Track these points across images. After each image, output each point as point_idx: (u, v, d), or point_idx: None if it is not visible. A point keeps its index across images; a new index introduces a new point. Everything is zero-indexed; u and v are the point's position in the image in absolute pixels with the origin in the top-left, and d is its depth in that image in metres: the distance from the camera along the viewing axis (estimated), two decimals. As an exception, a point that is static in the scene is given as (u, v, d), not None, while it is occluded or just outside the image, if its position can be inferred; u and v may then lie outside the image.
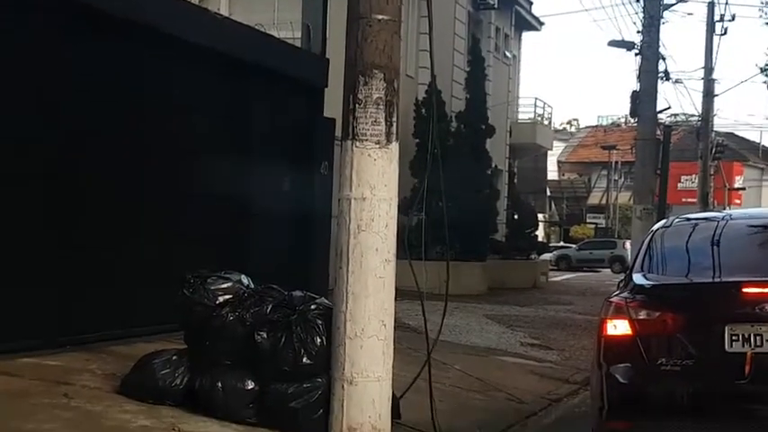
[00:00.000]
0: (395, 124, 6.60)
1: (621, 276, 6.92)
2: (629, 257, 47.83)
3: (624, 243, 48.46)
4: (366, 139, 6.49)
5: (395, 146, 6.62)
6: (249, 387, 6.79)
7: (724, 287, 5.99)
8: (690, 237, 6.94)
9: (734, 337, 5.67)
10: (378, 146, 6.51)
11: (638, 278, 6.33)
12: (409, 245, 7.48)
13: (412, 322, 13.43)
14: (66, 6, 8.69)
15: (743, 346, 5.65)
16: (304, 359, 6.70)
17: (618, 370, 5.92)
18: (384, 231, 6.52)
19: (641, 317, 5.91)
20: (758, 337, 5.65)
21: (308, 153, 12.78)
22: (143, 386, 7.02)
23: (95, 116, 9.17)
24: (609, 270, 44.02)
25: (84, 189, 9.08)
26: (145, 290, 9.63)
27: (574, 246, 51.44)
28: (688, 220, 7.42)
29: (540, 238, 40.45)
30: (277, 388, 6.72)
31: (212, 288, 7.11)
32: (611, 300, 6.16)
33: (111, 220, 9.43)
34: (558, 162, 66.83)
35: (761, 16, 55.65)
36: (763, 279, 5.88)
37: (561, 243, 55.00)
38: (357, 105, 6.51)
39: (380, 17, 6.47)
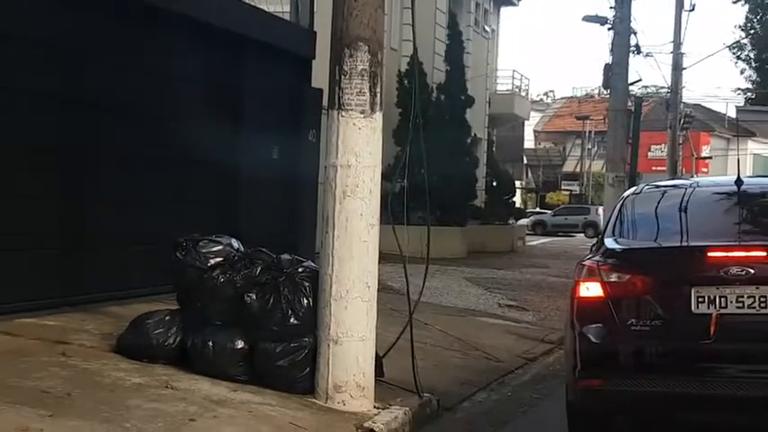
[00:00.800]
0: (379, 95, 6.59)
1: (594, 241, 6.91)
2: (602, 223, 48.10)
3: (597, 209, 48.56)
4: (351, 109, 6.47)
5: (379, 115, 6.60)
6: (239, 346, 6.78)
7: (691, 251, 5.99)
8: (659, 203, 6.92)
9: (700, 299, 5.68)
10: (362, 115, 6.50)
11: (609, 242, 6.32)
12: (392, 210, 7.47)
13: (395, 284, 13.44)
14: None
15: (708, 307, 5.66)
16: (291, 319, 6.69)
17: (590, 330, 5.92)
18: (368, 197, 6.51)
19: (612, 279, 5.90)
20: (723, 299, 5.65)
21: (296, 122, 12.71)
22: (137, 345, 7.01)
23: (87, 87, 9.09)
24: (582, 235, 44.17)
25: (81, 156, 9.02)
26: (139, 252, 9.60)
27: (549, 212, 51.57)
28: (657, 187, 7.40)
29: (517, 205, 40.55)
30: (266, 347, 6.70)
31: (204, 251, 7.08)
32: (584, 263, 6.15)
33: (107, 186, 9.38)
34: (535, 131, 66.77)
35: (727, -7, 55.57)
36: (728, 243, 5.89)
37: (537, 209, 55.11)
38: (343, 77, 6.49)
39: (365, -9, 6.41)
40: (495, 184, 31.04)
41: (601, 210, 49.02)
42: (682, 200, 6.74)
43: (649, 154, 50.68)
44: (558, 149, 66.79)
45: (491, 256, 23.70)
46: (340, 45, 6.50)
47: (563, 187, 63.76)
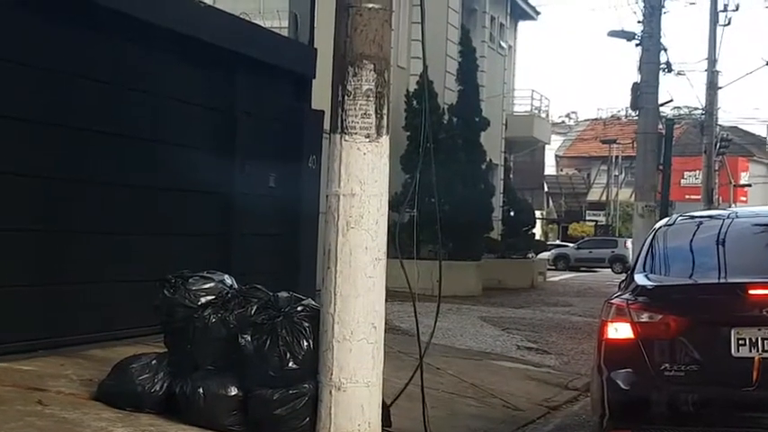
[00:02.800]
0: (386, 117, 6.57)
1: (623, 277, 6.89)
2: (631, 257, 47.98)
3: (625, 242, 48.58)
4: (356, 133, 6.46)
5: (385, 139, 6.59)
6: (232, 393, 6.75)
7: (730, 288, 5.96)
8: (694, 236, 6.92)
9: (740, 342, 5.65)
10: (368, 139, 6.48)
11: (639, 279, 6.30)
12: (400, 243, 7.45)
13: (403, 324, 13.43)
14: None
15: (750, 350, 5.63)
16: (290, 363, 6.65)
17: (619, 375, 5.89)
18: (374, 229, 6.49)
19: (643, 319, 5.88)
20: (766, 342, 5.63)
21: (295, 146, 12.73)
22: (121, 392, 6.98)
23: (76, 111, 9.12)
24: (609, 270, 44.04)
25: (60, 184, 9.02)
26: (123, 290, 9.58)
27: (572, 244, 51.50)
28: (692, 218, 7.40)
29: (537, 237, 40.50)
30: (261, 394, 6.67)
31: (194, 289, 7.07)
32: (612, 301, 6.13)
33: (88, 219, 9.38)
34: (556, 156, 66.94)
35: (767, 6, 55.91)
36: (772, 280, 5.86)
37: (559, 241, 55.04)
38: (346, 97, 6.47)
39: (371, 6, 6.44)
40: (512, 214, 31.02)
41: (629, 242, 49.10)
42: (719, 232, 6.73)
43: (682, 181, 50.75)
44: (582, 176, 66.87)
45: (509, 294, 23.66)
46: (343, 63, 6.50)
47: (587, 218, 63.78)
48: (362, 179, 6.46)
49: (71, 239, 9.18)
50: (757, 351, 5.62)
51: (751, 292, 5.75)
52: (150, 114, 10.22)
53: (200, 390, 6.76)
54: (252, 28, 12.40)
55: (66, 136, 9.09)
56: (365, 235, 6.44)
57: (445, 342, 13.22)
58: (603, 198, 62.88)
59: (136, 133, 9.99)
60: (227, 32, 11.28)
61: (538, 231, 45.71)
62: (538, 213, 45.47)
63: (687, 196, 48.47)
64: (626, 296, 6.11)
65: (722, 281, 6.13)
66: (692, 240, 6.78)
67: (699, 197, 39.65)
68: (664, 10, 22.74)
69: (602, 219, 62.40)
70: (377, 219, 6.50)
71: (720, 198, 42.20)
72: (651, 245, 6.74)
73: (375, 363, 6.52)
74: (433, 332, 7.65)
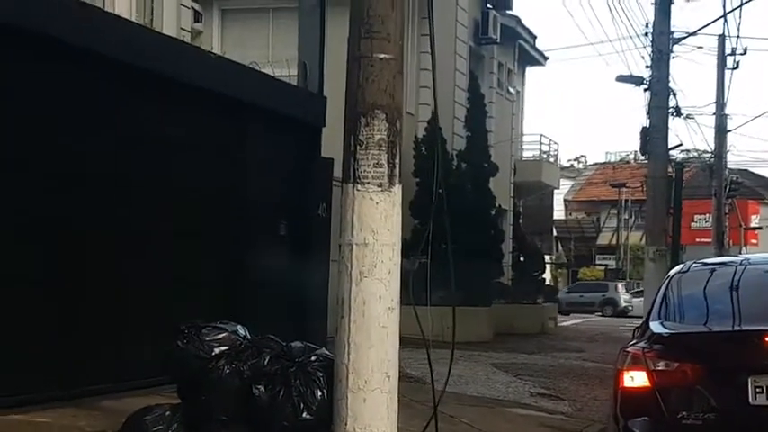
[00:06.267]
0: (397, 166, 6.59)
1: (636, 323, 6.88)
2: (621, 300, 47.82)
3: (616, 285, 48.70)
4: (368, 182, 6.47)
5: (398, 188, 6.60)
6: (246, 444, 6.73)
7: (747, 336, 5.97)
8: (708, 283, 6.93)
9: (758, 389, 5.64)
10: (380, 189, 6.49)
11: (655, 326, 6.30)
12: (413, 291, 7.44)
13: (415, 372, 13.36)
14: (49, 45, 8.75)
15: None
16: (304, 414, 6.63)
17: (636, 424, 5.88)
18: (387, 278, 6.48)
19: (660, 367, 5.88)
20: (784, 390, 5.61)
21: (305, 195, 12.79)
22: (134, 444, 6.96)
23: (77, 158, 9.19)
24: (600, 314, 43.83)
25: (68, 231, 9.05)
26: (135, 341, 9.60)
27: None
28: (705, 264, 7.41)
29: (547, 281, 40.43)
30: (276, 445, 6.65)
31: (207, 339, 7.04)
32: (628, 349, 6.13)
33: (99, 269, 9.41)
34: (565, 201, 66.92)
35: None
36: (788, 327, 5.85)
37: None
38: (358, 147, 6.49)
39: (382, 56, 6.47)
40: (522, 259, 31.00)
41: (621, 286, 49.20)
42: (732, 279, 6.75)
43: (692, 224, 50.65)
44: (592, 220, 66.86)
45: (519, 339, 23.56)
46: (355, 113, 6.52)
47: (597, 261, 63.66)
48: (375, 228, 6.46)
49: (84, 289, 9.20)
50: (775, 399, 5.60)
51: None
52: (161, 163, 10.27)
53: (214, 441, 6.74)
54: (261, 77, 12.50)
55: (77, 186, 9.15)
56: (378, 284, 6.43)
57: (457, 389, 13.15)
58: (613, 242, 62.81)
59: (147, 182, 10.05)
60: (237, 82, 11.38)
61: (547, 276, 45.61)
62: (547, 258, 45.38)
63: (698, 239, 48.39)
64: (642, 344, 6.12)
65: (739, 328, 6.13)
66: (705, 287, 6.80)
67: (709, 240, 39.57)
68: (672, 54, 22.90)
69: (612, 263, 62.29)
70: (390, 268, 6.50)
71: (731, 241, 42.13)
72: (666, 292, 6.74)
73: (389, 412, 6.49)
74: (447, 380, 7.61)
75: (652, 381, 5.83)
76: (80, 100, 9.14)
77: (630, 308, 46.22)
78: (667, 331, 6.23)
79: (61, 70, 8.90)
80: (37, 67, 8.69)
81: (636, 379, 5.90)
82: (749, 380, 5.64)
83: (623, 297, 47.91)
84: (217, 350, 7.00)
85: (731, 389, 5.70)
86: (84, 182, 9.19)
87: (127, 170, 9.76)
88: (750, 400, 5.63)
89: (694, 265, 7.37)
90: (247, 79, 11.80)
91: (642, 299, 47.03)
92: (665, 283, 6.89)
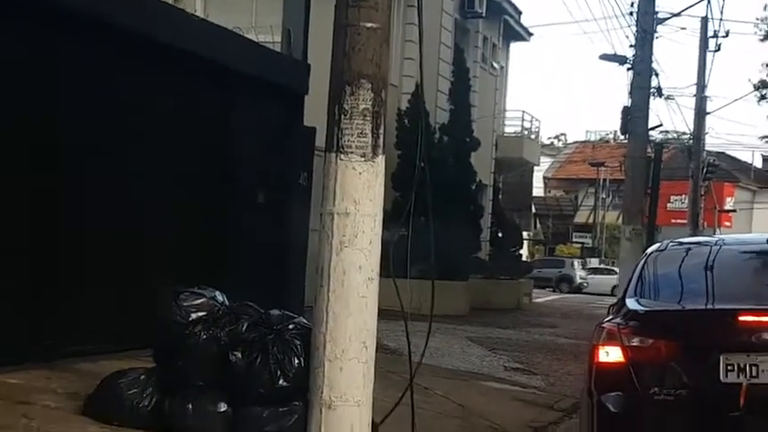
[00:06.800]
0: (381, 136, 6.58)
1: (612, 300, 6.94)
2: (577, 277, 48.18)
3: (573, 262, 49.17)
4: (351, 152, 6.46)
5: (381, 159, 6.59)
6: (222, 410, 6.74)
7: (720, 315, 6.03)
8: (684, 261, 6.98)
9: (729, 367, 5.70)
10: (363, 159, 6.48)
11: (631, 303, 6.35)
12: (393, 262, 7.45)
13: (391, 343, 13.42)
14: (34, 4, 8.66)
15: (738, 376, 5.69)
16: (280, 381, 6.66)
17: (609, 399, 5.93)
18: (368, 248, 6.49)
19: (634, 344, 5.93)
20: (754, 368, 5.68)
21: (286, 163, 12.76)
22: (108, 407, 6.96)
23: (66, 124, 9.13)
24: (552, 291, 44.08)
25: (45, 194, 8.99)
26: (112, 304, 9.56)
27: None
28: (681, 244, 7.47)
29: (524, 258, 40.59)
30: (251, 411, 6.68)
31: (185, 304, 7.05)
32: (604, 325, 6.18)
33: (77, 231, 9.36)
34: (545, 178, 67.10)
35: (756, 33, 56.19)
36: (761, 307, 5.92)
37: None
38: (343, 116, 6.47)
39: (369, 25, 6.45)
40: (500, 234, 31.09)
41: (577, 263, 49.59)
42: (708, 259, 6.80)
43: (668, 205, 50.91)
44: (570, 198, 67.12)
45: (495, 314, 23.68)
46: (340, 82, 6.50)
47: (574, 239, 63.95)
48: (357, 199, 6.46)
49: (61, 252, 9.16)
50: (745, 377, 5.67)
51: (741, 318, 5.82)
52: (141, 128, 10.21)
53: (190, 406, 6.75)
54: (245, 42, 12.42)
55: (56, 150, 9.07)
56: (359, 254, 6.44)
57: (432, 362, 13.19)
58: (590, 220, 63.08)
59: (124, 146, 9.98)
60: (220, 47, 11.30)
61: (525, 252, 45.81)
62: (525, 234, 45.55)
63: (673, 220, 48.63)
64: (617, 320, 6.16)
65: (713, 307, 6.19)
66: (681, 266, 6.85)
67: (685, 221, 39.78)
68: (656, 35, 22.94)
69: (588, 241, 62.59)
70: (371, 238, 6.51)
71: (705, 223, 42.39)
72: (643, 270, 6.80)
73: (366, 382, 6.52)
74: (423, 353, 7.66)
75: (626, 356, 5.88)
76: (55, 62, 9.02)
77: (586, 285, 46.88)
78: (643, 308, 6.28)
79: (35, 29, 8.78)
80: (7, 26, 8.56)
81: (611, 354, 5.95)
82: (721, 358, 5.70)
83: (579, 274, 48.63)
84: (194, 316, 7.02)
85: (703, 366, 5.76)
86: (59, 146, 9.07)
87: (104, 134, 9.65)
88: (721, 377, 5.69)
89: (671, 243, 7.43)
90: (231, 44, 11.71)
91: (599, 276, 48.11)
92: (642, 261, 6.95)
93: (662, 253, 7.14)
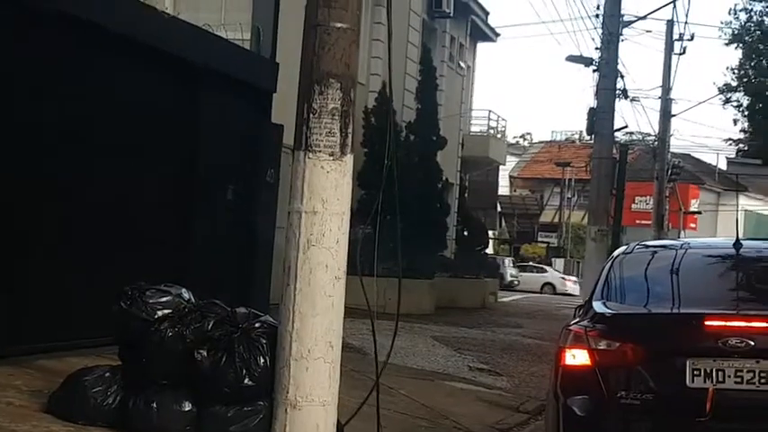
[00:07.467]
0: (350, 135, 6.57)
1: (579, 302, 6.94)
2: (508, 275, 48.87)
3: (504, 260, 50.23)
4: (320, 151, 6.44)
5: (349, 158, 6.58)
6: (186, 409, 6.68)
7: (687, 319, 6.04)
8: (650, 264, 7.00)
9: (696, 372, 5.72)
10: (331, 158, 6.47)
11: (598, 306, 6.35)
12: (359, 261, 7.42)
13: (355, 342, 13.38)
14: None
15: (704, 381, 5.70)
16: (246, 380, 6.61)
17: (575, 402, 5.93)
18: (335, 247, 6.47)
19: (601, 347, 5.93)
20: (720, 373, 5.70)
21: (254, 160, 12.70)
22: (72, 405, 6.88)
23: (31, 117, 9.01)
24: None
25: (8, 188, 8.88)
26: (76, 301, 9.47)
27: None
28: (647, 247, 7.49)
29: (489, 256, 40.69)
30: (216, 410, 6.62)
31: (151, 301, 6.99)
32: (571, 328, 6.18)
33: (41, 226, 9.26)
34: (510, 177, 67.26)
35: (720, 36, 56.70)
36: (727, 312, 5.94)
37: (531, 263, 55.52)
38: (311, 115, 6.46)
39: (339, 25, 6.44)
40: (466, 233, 31.12)
41: (508, 260, 50.50)
42: (674, 262, 6.82)
43: (633, 206, 51.16)
44: (536, 197, 67.33)
45: (461, 313, 23.71)
46: (309, 81, 6.49)
47: (540, 239, 64.19)
48: (325, 197, 6.44)
49: (24, 246, 9.05)
50: (711, 382, 5.68)
51: (707, 323, 5.83)
52: (108, 122, 10.11)
53: (154, 404, 6.69)
54: (214, 39, 12.34)
55: (20, 141, 8.96)
56: (326, 253, 6.42)
57: (397, 361, 13.19)
58: (556, 220, 63.32)
59: (93, 142, 9.88)
60: (189, 43, 11.23)
61: (490, 251, 45.96)
62: (491, 233, 45.68)
63: (638, 221, 48.93)
64: (584, 323, 6.16)
65: (680, 311, 6.20)
66: (649, 269, 6.86)
67: (649, 222, 40.03)
68: (621, 37, 23.06)
69: (553, 240, 62.84)
70: (338, 237, 6.49)
71: (670, 224, 42.64)
72: (609, 272, 6.80)
73: (331, 382, 6.49)
74: (389, 353, 7.63)
75: (593, 360, 5.88)
76: (25, 54, 8.92)
77: (517, 282, 47.63)
78: (610, 311, 6.29)
79: (7, 22, 8.69)
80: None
81: (577, 357, 5.95)
82: (687, 362, 5.71)
83: (510, 271, 49.46)
84: (160, 313, 6.96)
85: (670, 371, 5.77)
86: (26, 138, 8.98)
87: (72, 127, 9.55)
88: (688, 382, 5.70)
89: (638, 246, 7.45)
90: (200, 41, 11.63)
91: (529, 274, 49.06)
92: (609, 264, 6.96)
93: (628, 255, 7.15)
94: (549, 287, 50.12)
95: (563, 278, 52.30)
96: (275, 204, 12.87)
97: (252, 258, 12.64)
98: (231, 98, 12.23)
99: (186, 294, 7.24)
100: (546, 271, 52.92)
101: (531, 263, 55.20)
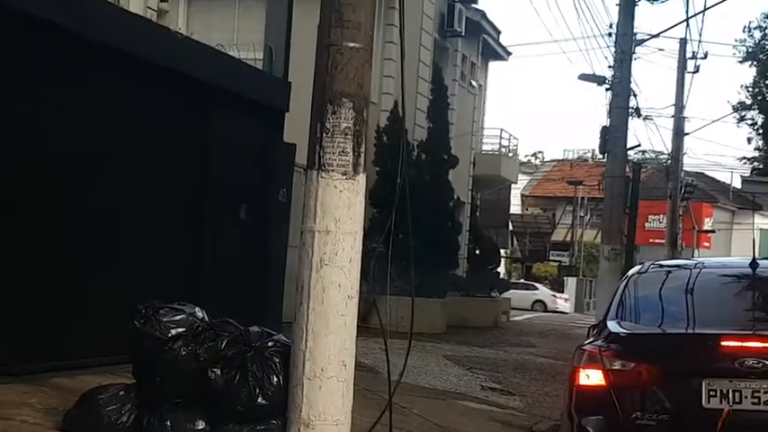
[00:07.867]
0: (363, 155, 6.58)
1: (592, 321, 6.92)
2: (547, 299, 49.23)
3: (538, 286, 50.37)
4: (332, 170, 6.46)
5: (362, 177, 6.59)
6: (200, 427, 6.69)
7: (703, 339, 6.01)
8: (664, 284, 6.97)
9: (711, 393, 5.69)
10: (344, 177, 6.48)
11: (612, 326, 6.33)
12: (373, 280, 7.43)
13: (368, 361, 13.38)
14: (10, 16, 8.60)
15: (720, 402, 5.67)
16: (259, 399, 6.61)
17: (590, 423, 5.91)
18: (348, 266, 6.48)
19: (616, 367, 5.91)
20: (737, 394, 5.67)
21: (266, 179, 12.72)
22: (86, 423, 6.89)
23: (47, 138, 9.06)
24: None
25: (24, 207, 8.92)
26: (90, 320, 9.50)
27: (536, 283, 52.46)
28: (661, 266, 7.47)
29: (501, 275, 40.66)
30: (229, 429, 6.62)
31: (165, 320, 7.00)
32: (585, 348, 6.16)
33: (56, 245, 9.29)
34: (522, 196, 67.22)
35: (734, 54, 56.61)
36: (744, 332, 5.91)
37: (523, 280, 55.47)
38: (324, 134, 6.47)
39: (352, 45, 6.46)
40: (477, 252, 31.10)
41: (542, 287, 50.64)
42: (688, 281, 6.79)
43: (647, 225, 51.08)
44: (548, 216, 67.22)
45: (473, 332, 23.66)
46: (322, 100, 6.51)
47: (551, 257, 64.07)
48: (338, 217, 6.45)
49: (40, 264, 9.08)
50: (728, 403, 5.65)
51: (723, 343, 5.80)
52: (122, 142, 10.16)
53: (168, 423, 6.70)
54: (227, 59, 12.40)
55: (36, 164, 9.01)
56: (339, 272, 6.43)
57: (410, 381, 13.17)
58: (568, 238, 63.19)
59: (107, 161, 9.93)
60: (203, 63, 11.28)
61: (502, 270, 45.92)
62: (502, 252, 45.64)
63: (651, 240, 48.80)
64: (598, 343, 6.14)
65: (696, 331, 6.17)
66: (664, 289, 6.84)
67: (663, 241, 39.91)
68: (634, 56, 23.07)
69: (566, 259, 62.70)
70: (351, 256, 6.49)
71: (684, 243, 42.53)
72: (624, 292, 6.78)
73: (344, 401, 6.49)
74: (402, 371, 7.64)
75: (608, 380, 5.86)
76: (41, 76, 8.98)
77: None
78: (624, 331, 6.27)
79: (24, 46, 8.74)
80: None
81: (591, 377, 5.93)
82: (703, 383, 5.69)
83: (549, 294, 50.34)
84: (174, 331, 6.96)
85: (685, 391, 5.74)
86: (43, 160, 9.04)
87: (88, 149, 9.62)
88: (703, 403, 5.68)
89: (652, 266, 7.42)
90: (213, 61, 11.69)
91: (520, 292, 49.42)
92: (624, 283, 6.94)
93: (643, 275, 7.12)
94: (539, 304, 50.36)
95: (554, 296, 52.56)
96: (288, 223, 12.88)
97: (265, 277, 12.65)
98: (244, 117, 12.28)
99: (200, 313, 7.25)
100: (537, 288, 53.12)
101: (521, 280, 55.20)
